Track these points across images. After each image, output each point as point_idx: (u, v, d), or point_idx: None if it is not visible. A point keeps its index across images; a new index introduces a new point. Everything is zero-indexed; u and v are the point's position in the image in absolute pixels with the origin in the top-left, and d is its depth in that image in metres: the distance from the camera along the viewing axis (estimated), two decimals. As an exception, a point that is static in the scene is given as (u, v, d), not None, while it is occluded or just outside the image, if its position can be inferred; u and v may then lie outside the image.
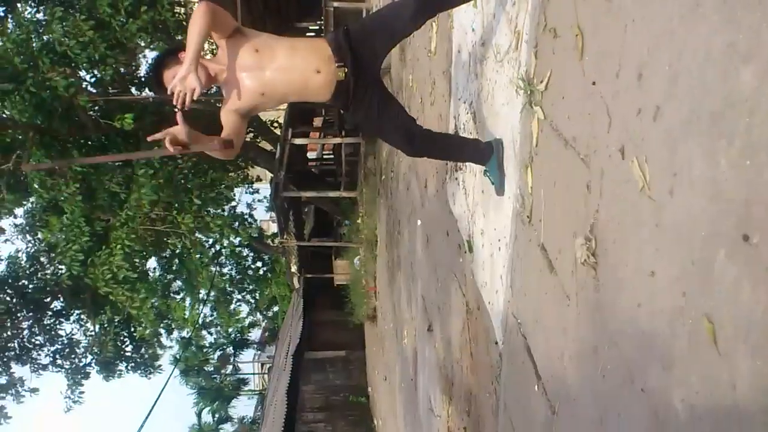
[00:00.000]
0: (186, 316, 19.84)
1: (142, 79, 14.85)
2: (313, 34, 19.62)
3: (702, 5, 1.37)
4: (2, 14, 12.54)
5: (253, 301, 22.34)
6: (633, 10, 1.69)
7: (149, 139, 2.64)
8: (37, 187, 11.69)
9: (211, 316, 21.64)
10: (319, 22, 17.71)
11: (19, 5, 12.51)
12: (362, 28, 2.85)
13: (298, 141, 14.16)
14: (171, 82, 2.53)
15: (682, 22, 1.45)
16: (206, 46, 2.66)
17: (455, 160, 3.86)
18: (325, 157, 22.13)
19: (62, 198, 11.66)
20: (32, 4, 13.10)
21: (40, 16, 12.22)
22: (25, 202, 13.70)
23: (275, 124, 17.74)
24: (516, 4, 2.78)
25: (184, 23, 13.05)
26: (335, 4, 11.30)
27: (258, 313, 24.28)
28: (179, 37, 13.70)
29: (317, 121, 19.58)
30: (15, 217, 14.14)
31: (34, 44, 10.65)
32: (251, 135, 16.23)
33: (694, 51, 1.41)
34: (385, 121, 2.92)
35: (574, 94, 2.12)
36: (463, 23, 3.86)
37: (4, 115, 11.00)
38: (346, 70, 2.69)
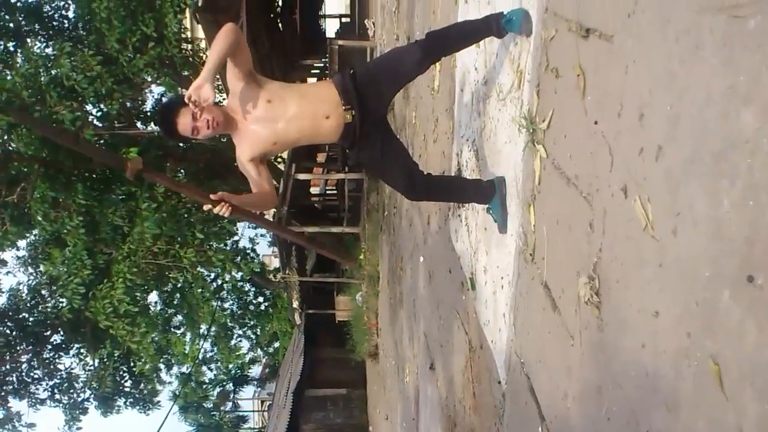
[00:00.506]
0: (186, 351, 19.69)
1: (148, 113, 15.02)
2: (318, 71, 19.88)
3: (702, 48, 1.38)
4: (12, 49, 12.75)
5: (253, 336, 22.18)
6: (634, 51, 1.71)
7: (212, 197, 2.74)
8: (40, 219, 11.74)
9: (212, 351, 21.46)
10: (324, 60, 17.96)
11: (29, 40, 12.74)
12: (368, 72, 2.91)
13: (302, 176, 14.21)
14: (186, 121, 2.60)
15: (683, 64, 1.46)
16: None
17: (457, 201, 3.88)
18: (328, 192, 22.20)
19: (65, 231, 11.69)
20: (42, 39, 13.34)
21: (49, 50, 12.44)
22: (28, 234, 13.73)
23: (279, 160, 17.84)
24: (518, 45, 2.81)
25: (191, 59, 13.25)
26: (340, 42, 11.48)
27: (259, 349, 24.05)
28: (186, 73, 13.90)
29: (321, 157, 19.70)
30: (17, 249, 14.16)
31: (42, 78, 10.81)
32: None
33: (694, 92, 1.42)
34: (387, 164, 2.97)
35: (576, 133, 2.13)
36: (465, 62, 3.91)
37: (10, 148, 11.09)
38: (353, 112, 2.75)
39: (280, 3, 17.27)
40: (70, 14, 13.99)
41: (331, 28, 28.01)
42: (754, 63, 1.22)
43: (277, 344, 24.24)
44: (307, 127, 2.77)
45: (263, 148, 2.79)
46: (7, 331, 13.14)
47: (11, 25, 12.79)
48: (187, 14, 12.72)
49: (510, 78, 2.93)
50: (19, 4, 12.99)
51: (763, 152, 1.20)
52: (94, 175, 12.36)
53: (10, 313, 13.38)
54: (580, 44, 2.09)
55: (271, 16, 16.54)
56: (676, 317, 1.49)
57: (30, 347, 13.53)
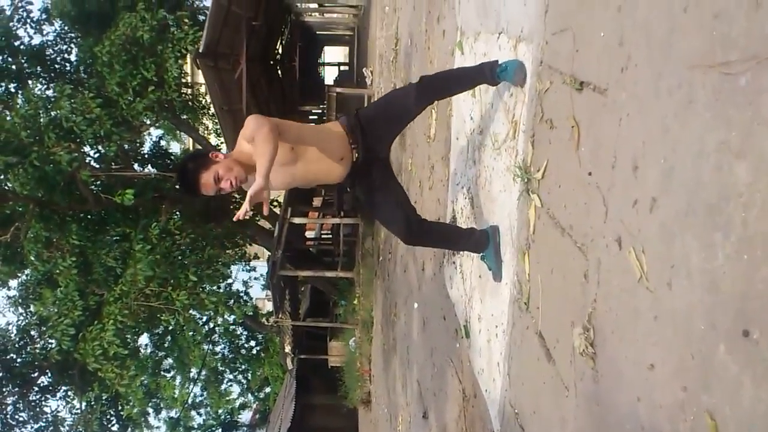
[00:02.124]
0: (175, 396, 19.37)
1: (146, 155, 15.10)
2: (315, 117, 20.12)
3: (694, 103, 1.41)
4: (13, 90, 12.88)
5: (244, 381, 21.88)
6: (627, 104, 1.74)
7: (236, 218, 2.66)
8: (33, 259, 11.66)
9: (201, 395, 21.12)
10: (322, 106, 18.18)
11: (30, 82, 12.87)
12: (369, 113, 3.01)
13: (297, 220, 14.24)
14: (209, 181, 2.62)
15: (676, 118, 1.48)
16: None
17: (452, 249, 3.90)
18: (323, 236, 22.19)
19: (58, 271, 11.60)
20: (43, 81, 13.49)
21: (49, 92, 12.57)
22: (20, 274, 13.62)
23: (275, 203, 17.88)
24: (513, 95, 2.86)
25: (190, 104, 13.38)
26: (338, 90, 11.65)
27: (249, 394, 23.69)
28: (184, 117, 14.03)
29: (316, 201, 19.76)
30: (8, 288, 14.03)
31: (41, 119, 10.87)
32: (251, 213, 16.30)
33: (688, 146, 1.43)
34: (385, 205, 3.01)
35: (570, 183, 2.15)
36: (461, 112, 3.96)
37: (6, 188, 11.10)
38: (359, 151, 2.85)
39: (280, 50, 17.57)
40: (72, 57, 14.21)
41: (329, 75, 28.48)
42: (746, 119, 1.24)
43: (268, 389, 23.89)
44: (323, 169, 2.84)
45: (278, 186, 2.83)
46: (-7, 372, 12.93)
47: (14, 67, 12.95)
48: (188, 59, 12.92)
49: (505, 128, 2.97)
50: (22, 47, 13.17)
51: (756, 206, 1.21)
52: (89, 216, 12.35)
53: (-2, 354, 13.19)
54: (575, 96, 2.12)
55: (271, 63, 16.81)
56: (671, 370, 1.47)
57: (16, 389, 13.28)
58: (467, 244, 3.12)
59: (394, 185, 3.07)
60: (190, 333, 15.66)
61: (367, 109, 3.07)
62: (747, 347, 1.22)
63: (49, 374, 13.89)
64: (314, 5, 20.59)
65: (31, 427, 13.76)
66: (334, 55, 32.32)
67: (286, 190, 3.22)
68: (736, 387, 1.24)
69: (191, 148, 20.65)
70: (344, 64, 27.35)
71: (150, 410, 16.57)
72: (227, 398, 21.79)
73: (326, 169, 2.84)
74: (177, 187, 2.90)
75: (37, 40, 13.81)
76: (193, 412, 21.81)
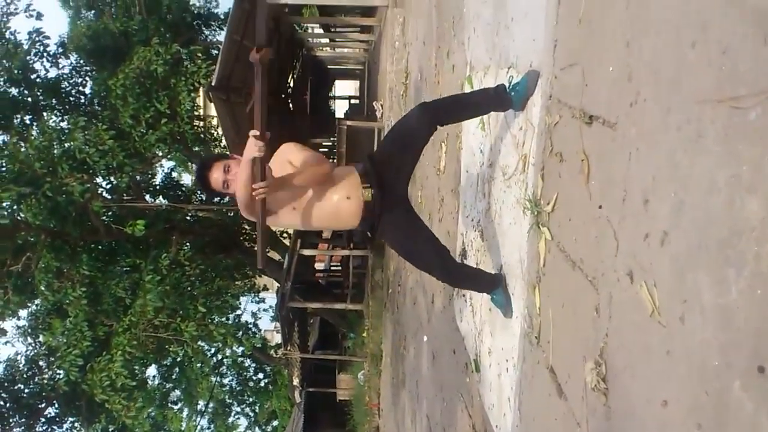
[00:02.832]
0: (182, 428, 19.22)
1: (157, 186, 15.23)
2: (326, 149, 20.26)
3: (704, 137, 1.41)
4: (28, 122, 13.08)
5: (252, 414, 21.69)
6: (637, 139, 1.74)
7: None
8: (43, 289, 11.70)
9: (209, 428, 20.94)
10: (332, 139, 18.32)
11: (45, 114, 13.07)
12: (381, 148, 3.02)
13: (307, 252, 14.25)
14: (218, 172, 2.77)
15: (685, 153, 1.48)
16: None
17: (476, 290, 3.71)
18: (332, 268, 22.17)
19: (68, 301, 11.63)
20: (57, 113, 13.70)
21: (63, 124, 12.75)
22: (30, 304, 13.67)
23: (284, 235, 17.93)
24: (522, 129, 2.87)
25: (202, 136, 13.52)
26: (348, 123, 11.74)
27: (257, 428, 23.46)
28: (197, 149, 14.17)
29: (326, 233, 19.78)
30: (18, 318, 14.06)
31: (55, 151, 11.01)
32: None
33: (698, 180, 1.43)
34: (416, 244, 2.96)
35: (580, 216, 2.14)
36: (471, 145, 3.98)
37: (19, 218, 11.19)
38: (372, 190, 2.81)
39: (292, 84, 17.78)
40: (87, 90, 14.43)
41: (340, 108, 28.76)
42: (756, 153, 1.24)
43: (275, 423, 23.67)
44: (329, 206, 2.82)
45: (283, 226, 2.90)
46: (1, 402, 12.87)
47: (29, 99, 13.17)
48: (201, 93, 13.09)
49: (515, 161, 2.97)
50: (38, 80, 13.41)
51: (768, 241, 1.20)
52: (99, 246, 12.42)
53: (6, 384, 13.14)
54: (584, 130, 2.13)
55: (282, 96, 17.00)
56: (685, 407, 1.45)
57: (23, 419, 13.22)
58: (486, 284, 3.10)
59: (419, 224, 3.03)
60: (198, 365, 15.61)
61: (379, 146, 3.08)
62: (763, 384, 1.20)
63: (57, 405, 13.83)
64: (325, 40, 20.92)
65: (38, 459, 13.67)
66: (344, 88, 32.67)
67: (293, 219, 3.20)
68: (753, 425, 1.22)
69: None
70: (355, 97, 27.64)
71: (157, 443, 16.44)
72: (234, 431, 21.58)
73: (332, 206, 2.82)
74: (196, 179, 2.99)
75: (53, 73, 14.09)
76: (200, 446, 21.62)
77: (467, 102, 3.04)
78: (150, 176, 15.51)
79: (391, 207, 2.88)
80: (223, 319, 13.81)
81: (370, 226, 2.90)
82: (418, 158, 3.05)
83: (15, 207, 10.95)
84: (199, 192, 16.17)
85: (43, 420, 13.82)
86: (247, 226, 16.06)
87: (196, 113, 13.09)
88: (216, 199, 16.59)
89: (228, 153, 2.94)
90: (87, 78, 14.51)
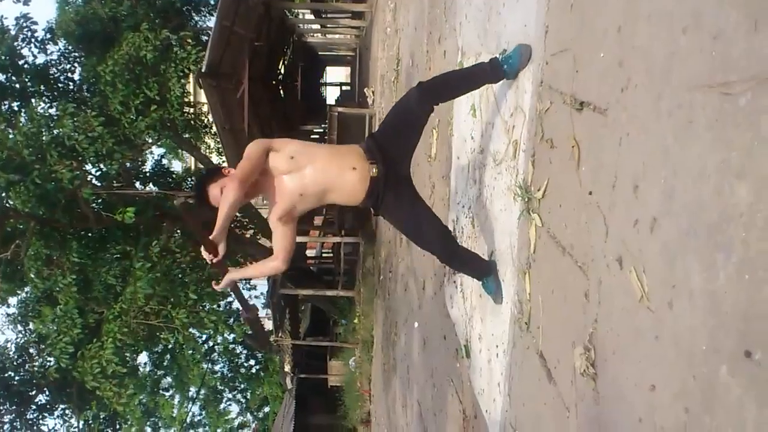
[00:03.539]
0: (174, 415, 19.24)
1: (147, 173, 15.14)
2: (317, 137, 20.19)
3: (694, 123, 1.41)
4: (16, 108, 12.95)
5: (243, 400, 21.74)
6: (627, 125, 1.74)
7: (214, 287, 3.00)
8: (33, 276, 11.63)
9: (200, 415, 20.97)
10: (323, 126, 18.25)
11: (33, 100, 12.94)
12: (383, 128, 3.01)
13: (298, 239, 14.21)
14: (216, 193, 2.75)
15: (676, 139, 1.49)
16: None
17: (469, 273, 3.48)
18: (324, 255, 22.18)
19: (58, 289, 11.57)
20: (46, 99, 13.56)
21: (52, 111, 12.62)
22: (19, 292, 13.59)
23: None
24: (513, 115, 2.87)
25: (192, 122, 13.44)
26: (340, 109, 11.70)
27: (248, 414, 23.53)
28: (186, 135, 14.08)
29: (318, 220, 19.77)
30: (8, 306, 13.99)
31: (44, 137, 10.90)
32: (251, 232, 16.33)
33: (688, 166, 1.44)
34: (420, 223, 2.96)
35: (571, 202, 2.15)
36: (462, 131, 3.97)
37: (7, 205, 11.11)
38: (378, 166, 2.82)
39: (283, 70, 17.68)
40: (76, 76, 14.28)
41: (331, 95, 28.65)
42: (746, 139, 1.24)
43: (267, 409, 23.74)
44: (333, 177, 2.82)
45: (289, 201, 2.81)
46: (-9, 391, 12.85)
47: (17, 85, 13.01)
48: (191, 79, 12.99)
49: (505, 147, 2.97)
50: (26, 66, 13.25)
51: (757, 227, 1.21)
52: (89, 234, 12.34)
53: (-4, 372, 13.11)
54: (575, 116, 2.13)
55: (273, 83, 16.91)
56: (673, 391, 1.46)
57: (14, 407, 13.18)
58: (481, 270, 3.11)
59: (423, 204, 3.05)
60: (190, 351, 15.58)
61: (381, 127, 3.08)
62: (749, 368, 1.21)
63: (47, 392, 13.80)
64: (317, 26, 20.79)
65: (29, 446, 13.66)
66: (336, 75, 32.54)
67: (305, 203, 3.12)
68: (739, 409, 1.23)
69: (193, 167, 20.71)
70: (346, 84, 27.54)
71: (148, 429, 16.47)
72: (226, 417, 21.64)
73: (336, 176, 2.81)
74: (192, 201, 2.99)
75: (41, 59, 13.85)
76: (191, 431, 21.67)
77: (462, 77, 3.06)
78: (140, 163, 15.39)
79: (395, 184, 2.88)
80: (215, 306, 13.78)
81: (375, 202, 2.88)
82: (419, 138, 3.05)
83: (3, 194, 10.85)
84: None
85: (33, 407, 13.79)
86: (238, 213, 16.01)
87: (186, 99, 12.99)
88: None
89: (222, 167, 2.93)
90: (76, 64, 14.35)
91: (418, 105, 2.87)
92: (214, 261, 2.75)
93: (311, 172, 2.79)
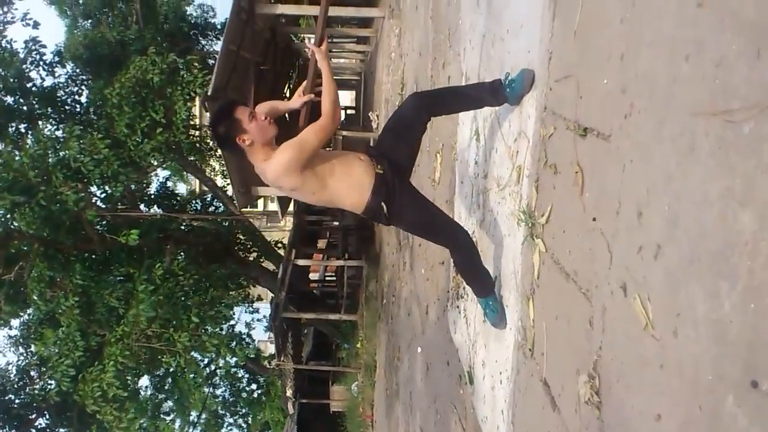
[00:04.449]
0: (175, 439, 19.03)
1: (152, 195, 15.20)
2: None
3: (697, 150, 1.41)
4: (23, 130, 13.05)
5: (245, 425, 21.54)
6: (631, 151, 1.74)
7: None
8: (36, 298, 11.62)
9: (201, 439, 20.76)
10: (328, 149, 18.27)
11: (40, 122, 13.04)
12: (380, 139, 3.04)
13: (301, 262, 14.21)
14: (242, 114, 2.73)
15: (679, 166, 1.48)
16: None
17: (471, 275, 3.36)
18: (327, 278, 22.12)
19: (60, 311, 11.55)
20: (53, 121, 13.68)
21: (59, 133, 12.72)
22: (22, 314, 13.57)
23: (279, 245, 17.89)
24: (517, 141, 2.87)
25: (198, 145, 13.52)
26: (344, 132, 11.75)
27: (249, 439, 23.30)
28: (191, 158, 14.15)
29: (321, 243, 19.76)
30: (10, 328, 13.96)
31: (50, 159, 10.97)
32: (254, 255, 16.33)
33: (692, 193, 1.43)
34: (432, 216, 2.96)
35: (574, 228, 2.14)
36: (466, 156, 3.98)
37: (12, 227, 11.14)
38: (384, 164, 2.85)
39: (288, 94, 17.79)
40: (83, 99, 14.42)
41: (336, 118, 28.66)
42: (750, 167, 1.24)
43: (268, 434, 23.50)
44: (341, 158, 2.86)
45: (304, 189, 2.85)
46: (-9, 414, 12.77)
47: (25, 108, 13.14)
48: (197, 102, 13.10)
49: (509, 172, 2.97)
50: (34, 88, 13.39)
51: (762, 255, 1.20)
52: (93, 256, 12.35)
53: (-4, 395, 13.05)
54: (578, 142, 2.13)
55: (278, 105, 16.98)
56: (678, 421, 1.44)
57: (14, 430, 13.10)
58: (487, 283, 3.06)
59: (429, 202, 3.05)
60: (191, 375, 15.48)
61: (380, 137, 3.11)
62: (756, 399, 1.19)
63: (48, 416, 13.71)
64: (322, 50, 20.89)
65: (28, 470, 13.54)
66: (341, 99, 32.69)
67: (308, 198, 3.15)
68: (746, 440, 1.21)
69: (197, 190, 20.78)
70: (351, 107, 27.68)
71: (148, 454, 16.28)
72: (227, 443, 21.42)
73: (344, 160, 2.84)
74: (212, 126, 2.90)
75: (48, 81, 14.06)
76: (192, 457, 21.44)
77: (460, 93, 3.07)
78: (145, 185, 15.47)
79: (403, 181, 2.90)
80: (217, 329, 13.73)
81: (387, 196, 2.84)
82: (417, 150, 3.06)
83: (8, 215, 10.89)
84: (193, 203, 16.13)
85: (33, 430, 13.70)
86: (241, 236, 16.01)
87: (191, 123, 13.08)
88: (210, 209, 16.56)
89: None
90: (83, 87, 14.51)
91: (413, 115, 2.89)
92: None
93: (331, 179, 2.82)
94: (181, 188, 21.96)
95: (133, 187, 13.73)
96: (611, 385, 1.81)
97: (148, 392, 15.72)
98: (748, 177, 1.24)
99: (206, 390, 17.71)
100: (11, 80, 12.61)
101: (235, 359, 14.91)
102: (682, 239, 1.46)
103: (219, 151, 12.72)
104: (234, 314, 15.87)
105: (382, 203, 2.85)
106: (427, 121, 2.96)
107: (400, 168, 2.93)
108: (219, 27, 17.35)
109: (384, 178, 2.83)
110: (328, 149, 2.99)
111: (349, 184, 2.84)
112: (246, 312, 19.57)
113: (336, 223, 17.01)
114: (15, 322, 13.88)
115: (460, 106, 3.15)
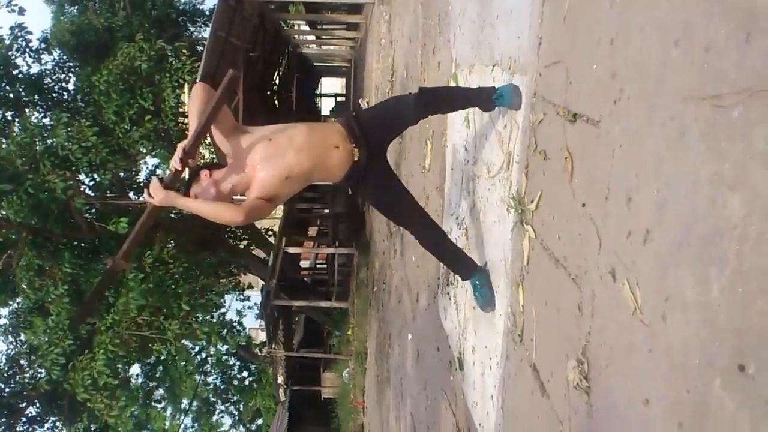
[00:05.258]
0: (166, 427, 19.10)
1: (141, 183, 15.11)
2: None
3: (687, 135, 1.41)
4: (10, 118, 12.91)
5: (236, 412, 21.62)
6: (620, 136, 1.74)
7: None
8: (25, 287, 11.56)
9: (192, 427, 20.83)
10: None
11: (27, 110, 12.91)
12: (369, 116, 3.00)
13: (292, 250, 14.20)
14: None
15: (669, 150, 1.48)
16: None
17: (450, 263, 3.47)
18: (318, 266, 22.13)
19: (50, 299, 11.49)
20: (40, 109, 13.53)
21: (46, 120, 12.60)
22: (11, 302, 13.50)
23: (270, 233, 17.86)
24: (507, 127, 2.87)
25: (186, 133, 13.43)
26: (334, 120, 11.67)
27: (241, 426, 23.38)
28: (181, 146, 14.03)
29: (312, 231, 19.74)
30: (-1, 317, 13.91)
31: (37, 147, 10.87)
32: (245, 242, 16.28)
33: (681, 178, 1.43)
34: (397, 197, 2.99)
35: (564, 214, 2.14)
36: (456, 143, 3.97)
37: (0, 215, 11.05)
38: (362, 150, 2.80)
39: (277, 81, 17.70)
40: (70, 86, 14.27)
41: (326, 106, 28.70)
42: (739, 151, 1.24)
43: (260, 421, 23.59)
44: (317, 155, 2.73)
45: (275, 186, 2.66)
46: (-20, 403, 12.73)
47: (11, 95, 12.99)
48: (185, 89, 12.99)
49: (499, 159, 2.97)
50: (20, 75, 13.23)
51: (751, 239, 1.20)
52: (82, 244, 12.28)
53: (-14, 384, 13.01)
54: (568, 128, 2.13)
55: (268, 93, 16.93)
56: (666, 406, 1.45)
57: (3, 419, 13.06)
58: (463, 266, 3.12)
59: (401, 185, 3.08)
60: (182, 363, 15.50)
61: (366, 112, 3.12)
62: (743, 383, 1.20)
63: (38, 404, 13.68)
64: (312, 37, 20.85)
65: (19, 459, 13.53)
66: (330, 86, 32.62)
67: (290, 187, 3.01)
68: (733, 424, 1.22)
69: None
70: (341, 95, 27.61)
71: (139, 442, 16.32)
72: (218, 430, 21.50)
73: (321, 155, 2.73)
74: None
75: (35, 68, 13.87)
76: (184, 445, 21.51)
77: (459, 95, 3.17)
78: (134, 173, 15.36)
79: (375, 166, 2.88)
80: (208, 317, 13.70)
81: (354, 183, 2.87)
82: (401, 133, 3.10)
83: (-5, 204, 10.81)
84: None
85: (23, 419, 13.67)
86: (236, 228, 15.96)
87: (180, 110, 12.98)
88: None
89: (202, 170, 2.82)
90: (70, 74, 14.35)
91: (414, 116, 2.94)
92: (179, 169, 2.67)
93: (294, 154, 2.66)
94: (171, 176, 21.82)
95: (121, 174, 13.65)
96: (600, 370, 1.82)
97: (139, 380, 15.74)
98: (738, 161, 1.24)
99: (197, 378, 17.75)
100: (-3, 67, 12.47)
101: (226, 347, 14.92)
102: (671, 224, 1.47)
103: (208, 139, 12.65)
104: (225, 302, 15.88)
105: (348, 187, 2.96)
106: (422, 119, 3.06)
107: (380, 146, 2.95)
108: (207, 13, 17.20)
109: (359, 165, 2.82)
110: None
111: (324, 175, 2.85)
112: (237, 300, 19.61)
113: (327, 211, 17.00)
114: (4, 311, 13.85)
115: (456, 107, 3.23)
